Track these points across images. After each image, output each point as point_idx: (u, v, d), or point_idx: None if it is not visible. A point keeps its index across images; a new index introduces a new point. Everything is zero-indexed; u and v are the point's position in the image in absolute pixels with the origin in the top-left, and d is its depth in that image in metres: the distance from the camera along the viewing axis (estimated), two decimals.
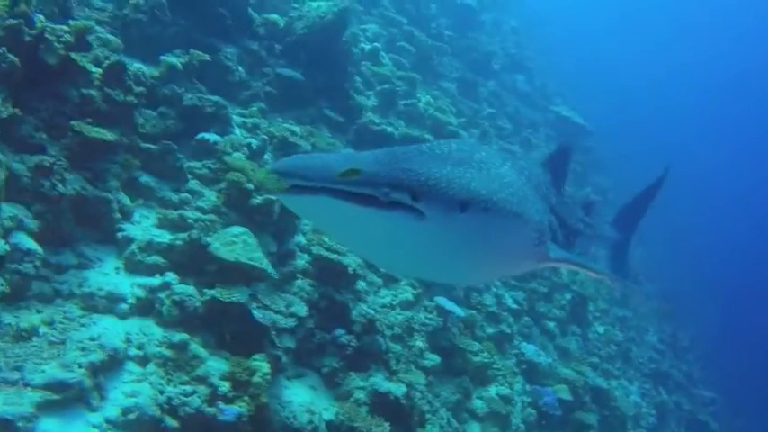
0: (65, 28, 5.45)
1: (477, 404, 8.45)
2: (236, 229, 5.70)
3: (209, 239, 5.49)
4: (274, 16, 9.01)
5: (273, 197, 6.44)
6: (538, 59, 20.56)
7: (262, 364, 5.16)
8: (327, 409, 6.22)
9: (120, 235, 5.66)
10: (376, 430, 5.98)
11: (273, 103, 8.44)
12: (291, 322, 5.60)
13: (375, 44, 10.71)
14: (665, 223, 21.54)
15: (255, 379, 5.07)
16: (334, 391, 6.49)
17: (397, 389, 6.46)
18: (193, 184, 6.62)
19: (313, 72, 8.76)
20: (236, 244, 5.52)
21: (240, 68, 8.15)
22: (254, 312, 5.37)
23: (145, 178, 6.30)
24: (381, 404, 6.39)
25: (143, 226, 5.97)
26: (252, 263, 5.49)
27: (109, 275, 5.44)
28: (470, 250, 2.97)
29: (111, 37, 6.52)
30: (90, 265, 5.44)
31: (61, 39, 5.38)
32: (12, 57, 4.99)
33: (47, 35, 5.14)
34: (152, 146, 6.35)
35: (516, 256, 3.46)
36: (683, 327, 20.28)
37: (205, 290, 5.32)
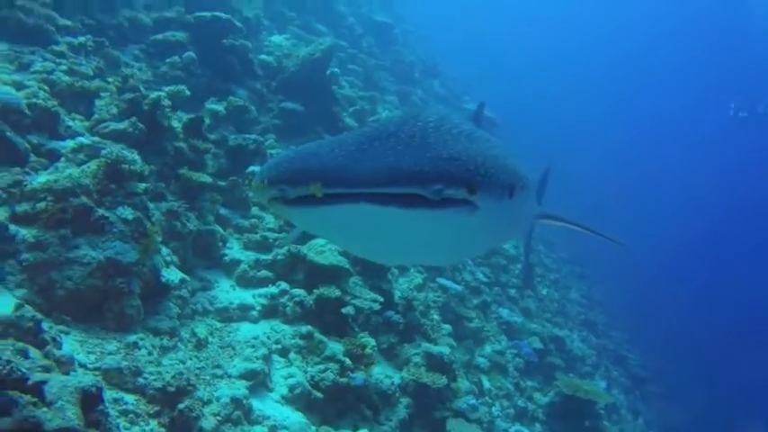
0: (162, 94, 6.57)
1: (481, 361, 10.34)
2: (320, 241, 7.11)
3: (305, 251, 6.87)
4: (265, 56, 10.29)
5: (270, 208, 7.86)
6: (444, 63, 22.93)
7: (369, 340, 6.68)
8: (393, 376, 7.78)
9: (226, 259, 6.89)
10: (438, 382, 7.61)
11: (280, 133, 9.76)
12: (377, 306, 7.11)
13: (335, 69, 12.18)
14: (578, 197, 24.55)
15: (367, 351, 6.59)
16: (393, 362, 8.04)
17: (444, 349, 8.14)
18: (255, 210, 7.89)
19: (307, 102, 10.17)
20: (325, 252, 6.95)
21: (252, 107, 9.40)
22: (352, 302, 6.83)
23: (222, 210, 7.51)
24: (432, 364, 8.02)
25: (235, 249, 7.22)
26: (340, 264, 6.95)
27: (230, 292, 6.69)
28: (507, 227, 2.99)
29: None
30: (211, 286, 6.66)
31: (163, 104, 6.51)
32: (141, 125, 6.12)
33: (162, 102, 6.27)
34: (222, 182, 7.56)
35: (528, 218, 3.65)
36: (594, 284, 23.48)
37: (313, 290, 6.71)
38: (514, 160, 2.67)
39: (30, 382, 3.40)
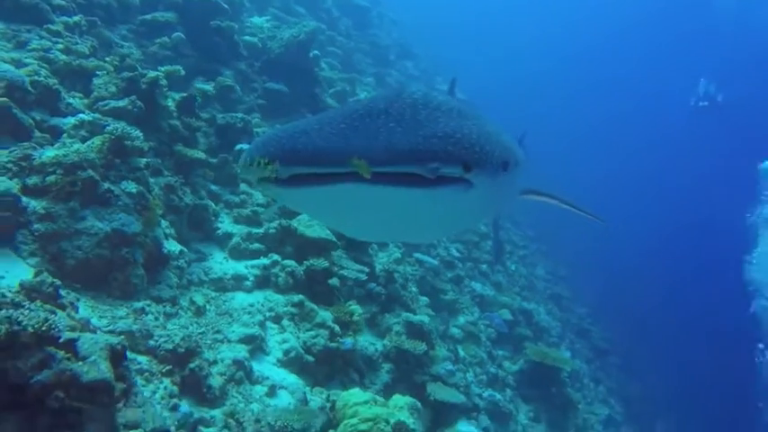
0: (159, 73, 6.82)
1: (455, 331, 10.91)
2: (307, 216, 7.48)
3: (294, 225, 7.24)
4: (249, 38, 10.50)
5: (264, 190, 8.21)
6: (417, 45, 23.28)
7: (356, 308, 7.12)
8: (375, 344, 8.26)
9: (219, 232, 7.22)
10: (419, 348, 8.10)
11: (265, 112, 10.04)
12: (363, 276, 7.54)
13: (315, 52, 12.44)
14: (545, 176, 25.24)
15: (355, 318, 7.03)
16: (375, 330, 8.51)
17: (424, 318, 8.65)
18: (244, 186, 8.20)
19: (290, 83, 10.45)
20: (313, 226, 7.34)
21: (237, 87, 9.65)
22: (340, 272, 7.25)
23: (212, 186, 7.81)
24: (412, 332, 8.51)
25: (227, 223, 7.54)
26: (328, 237, 7.35)
27: (223, 264, 7.03)
28: (499, 203, 2.96)
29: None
30: (205, 257, 6.99)
31: (161, 83, 6.76)
32: (140, 102, 6.38)
33: (160, 81, 6.52)
34: (213, 159, 7.85)
35: (517, 193, 3.57)
36: (558, 261, 24.36)
37: (303, 262, 7.10)
38: (508, 136, 2.66)
39: (62, 340, 3.74)
